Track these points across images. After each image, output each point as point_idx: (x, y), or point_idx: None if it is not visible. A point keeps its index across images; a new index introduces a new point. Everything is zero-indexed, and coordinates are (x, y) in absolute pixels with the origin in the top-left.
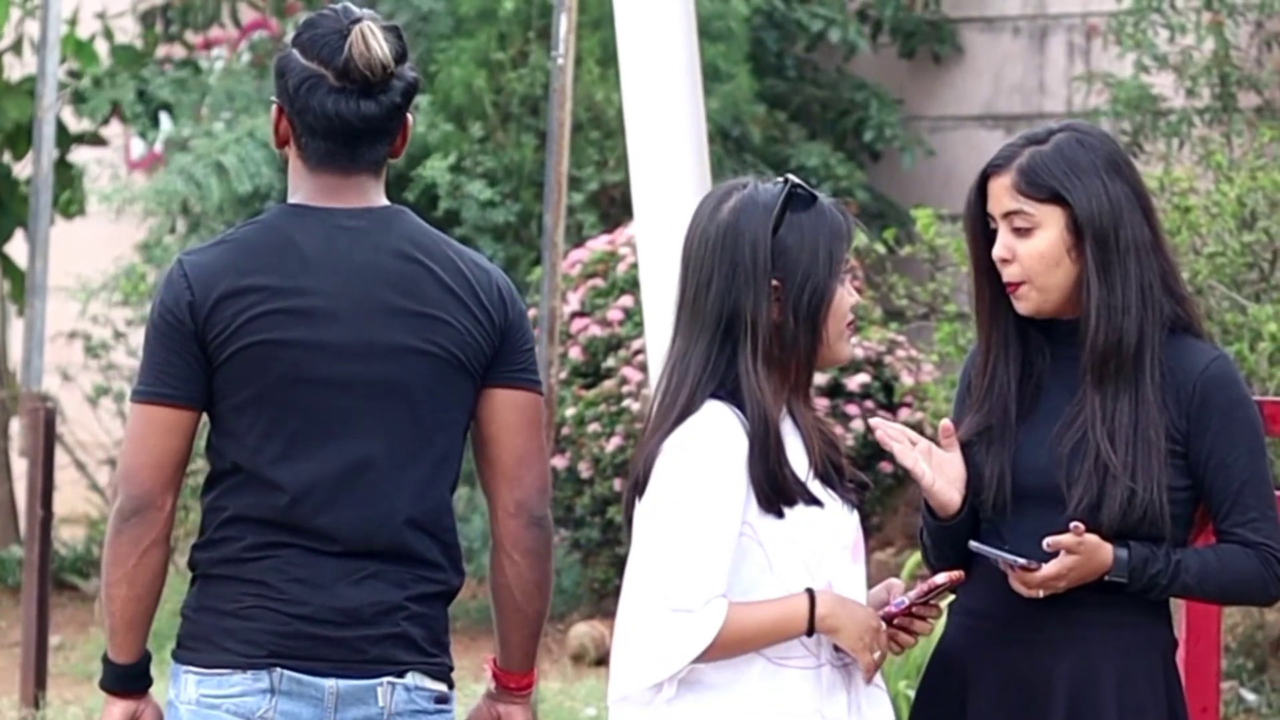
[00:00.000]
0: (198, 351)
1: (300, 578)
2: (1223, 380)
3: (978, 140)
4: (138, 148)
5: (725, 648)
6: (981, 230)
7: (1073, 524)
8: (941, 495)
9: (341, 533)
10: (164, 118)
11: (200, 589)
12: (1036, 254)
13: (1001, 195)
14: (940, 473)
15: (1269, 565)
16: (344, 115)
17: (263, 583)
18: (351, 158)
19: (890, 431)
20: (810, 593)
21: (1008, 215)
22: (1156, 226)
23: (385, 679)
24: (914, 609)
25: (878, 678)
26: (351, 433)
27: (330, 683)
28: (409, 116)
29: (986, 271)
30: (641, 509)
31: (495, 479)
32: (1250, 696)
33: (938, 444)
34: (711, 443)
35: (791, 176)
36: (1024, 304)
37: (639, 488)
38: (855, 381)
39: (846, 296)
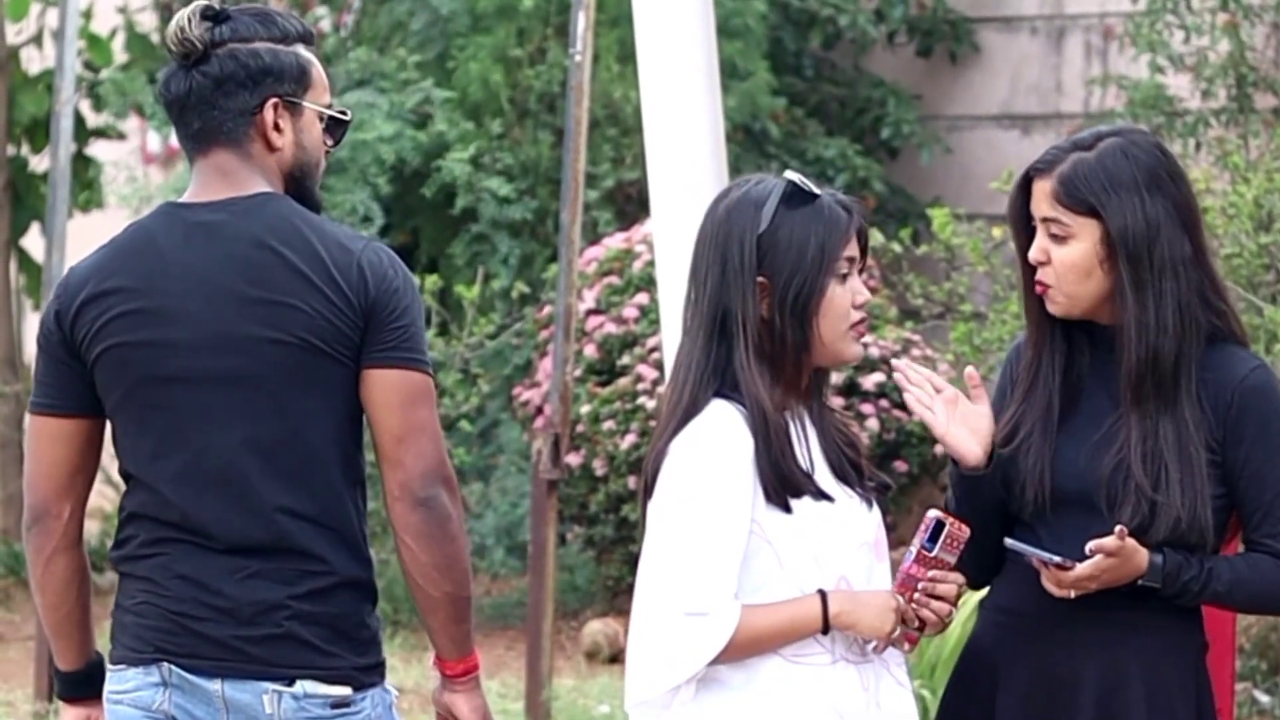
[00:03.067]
0: (71, 359)
1: (183, 574)
2: (1262, 390)
3: (994, 140)
4: (154, 142)
5: (740, 649)
6: (1025, 227)
7: (1118, 527)
8: (958, 445)
9: (220, 529)
10: None
11: (117, 588)
12: (1069, 263)
13: (1041, 200)
14: (962, 422)
15: None
16: (170, 88)
17: (150, 579)
18: (190, 136)
19: (910, 375)
20: (822, 594)
21: (1045, 221)
22: (1199, 240)
23: (271, 686)
24: (926, 562)
25: (903, 673)
26: (215, 428)
27: (216, 685)
28: (268, 106)
29: (1033, 268)
30: (651, 511)
31: (380, 462)
32: (1264, 698)
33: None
34: (716, 443)
35: (790, 174)
36: (1053, 306)
37: (649, 489)
38: (870, 380)
39: (845, 294)
